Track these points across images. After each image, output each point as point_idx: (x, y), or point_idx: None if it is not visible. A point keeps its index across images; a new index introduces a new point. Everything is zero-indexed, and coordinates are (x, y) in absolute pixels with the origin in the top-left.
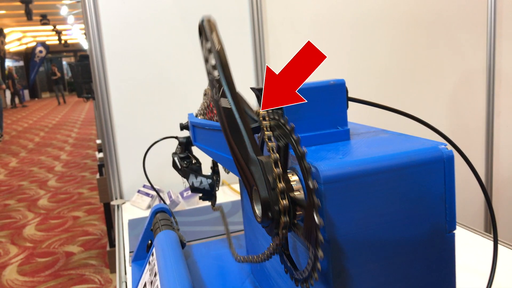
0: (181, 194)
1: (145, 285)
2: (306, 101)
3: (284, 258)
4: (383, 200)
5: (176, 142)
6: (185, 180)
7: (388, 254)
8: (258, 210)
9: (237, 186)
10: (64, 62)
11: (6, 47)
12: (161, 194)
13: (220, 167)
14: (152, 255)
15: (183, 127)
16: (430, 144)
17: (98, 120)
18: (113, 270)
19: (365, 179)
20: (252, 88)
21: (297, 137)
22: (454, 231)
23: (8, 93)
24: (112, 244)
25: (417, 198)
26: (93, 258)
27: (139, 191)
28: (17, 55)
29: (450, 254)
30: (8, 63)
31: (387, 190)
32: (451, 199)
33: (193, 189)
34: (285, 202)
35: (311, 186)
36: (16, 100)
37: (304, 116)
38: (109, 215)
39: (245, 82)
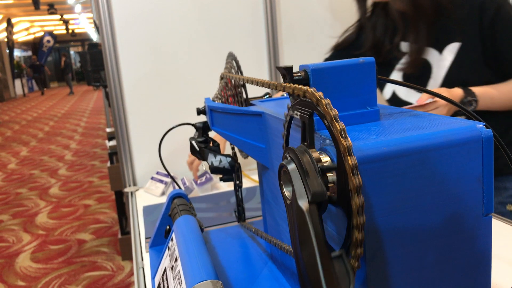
0: (195, 181)
1: (165, 270)
2: (335, 80)
3: None
4: (419, 181)
5: (189, 129)
6: (204, 163)
7: (422, 237)
8: (288, 192)
9: (250, 173)
10: (71, 52)
11: (14, 37)
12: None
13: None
14: (172, 240)
15: (200, 111)
16: (467, 123)
17: (112, 108)
18: (125, 257)
19: (401, 160)
20: (277, 67)
21: (335, 112)
22: (491, 214)
23: (18, 83)
24: (123, 231)
25: (454, 179)
26: (104, 245)
27: (152, 178)
28: (25, 45)
29: (486, 237)
30: (17, 53)
31: (423, 171)
32: (489, 180)
33: (213, 170)
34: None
35: (351, 163)
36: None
37: (332, 95)
38: (120, 203)
39: (258, 66)
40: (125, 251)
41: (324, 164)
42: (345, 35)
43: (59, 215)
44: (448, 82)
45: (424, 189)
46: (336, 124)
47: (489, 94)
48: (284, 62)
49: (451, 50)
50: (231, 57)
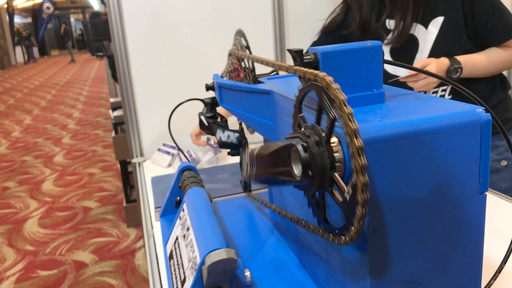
0: (209, 143)
1: (177, 238)
2: (343, 63)
3: (319, 215)
4: (420, 162)
5: (194, 103)
6: (211, 137)
7: (421, 213)
8: (297, 170)
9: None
10: (72, 19)
11: (14, 3)
12: (181, 153)
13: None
14: (183, 210)
15: (208, 87)
16: (467, 107)
17: (119, 81)
18: (130, 225)
19: (404, 141)
20: (288, 50)
21: (344, 97)
22: (486, 192)
23: (18, 50)
24: (128, 200)
25: (453, 160)
26: (109, 213)
27: (159, 150)
28: (25, 11)
29: (481, 213)
30: (17, 19)
31: (425, 152)
32: (486, 161)
33: (221, 144)
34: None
35: (358, 145)
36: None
37: (340, 78)
38: (125, 172)
39: (264, 48)
40: (130, 219)
41: (332, 144)
42: (332, 16)
43: (65, 183)
44: (434, 53)
45: (424, 169)
46: (345, 108)
47: (472, 62)
48: (290, 40)
49: (435, 25)
50: (240, 34)
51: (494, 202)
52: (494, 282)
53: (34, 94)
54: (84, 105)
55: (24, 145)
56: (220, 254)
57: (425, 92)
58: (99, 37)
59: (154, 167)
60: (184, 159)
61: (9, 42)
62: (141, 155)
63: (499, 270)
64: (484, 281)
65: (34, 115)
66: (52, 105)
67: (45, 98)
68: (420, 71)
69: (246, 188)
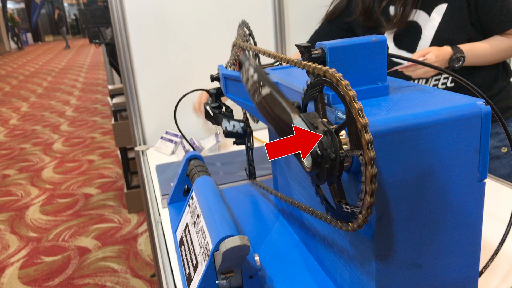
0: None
1: (186, 225)
2: (350, 57)
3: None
4: (423, 152)
5: (196, 92)
6: (218, 127)
7: (424, 200)
8: (307, 161)
9: (257, 134)
10: (65, 4)
11: None
12: (183, 141)
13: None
14: (192, 198)
15: (213, 78)
16: (468, 100)
17: (121, 71)
18: (131, 211)
19: (409, 134)
20: (297, 45)
21: (354, 93)
22: (485, 180)
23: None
24: (129, 186)
25: (455, 150)
26: (110, 199)
27: (162, 138)
28: None
29: (479, 200)
30: (10, 5)
31: (428, 143)
32: (485, 151)
33: (227, 134)
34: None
35: (367, 138)
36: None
37: (347, 72)
38: (125, 159)
39: (264, 37)
40: (131, 205)
41: (341, 136)
42: (335, 2)
43: (64, 170)
44: (437, 41)
45: (427, 158)
46: (355, 104)
47: (475, 51)
48: (290, 32)
49: (439, 12)
50: (244, 25)
51: (494, 188)
52: (491, 263)
53: (30, 81)
54: (81, 92)
55: (22, 132)
56: (234, 241)
57: (426, 81)
58: (96, 24)
59: (158, 155)
60: (187, 146)
61: (3, 29)
62: (144, 143)
63: (496, 252)
64: (482, 263)
65: (31, 102)
66: (48, 92)
67: (41, 85)
68: (419, 62)
69: (251, 175)
